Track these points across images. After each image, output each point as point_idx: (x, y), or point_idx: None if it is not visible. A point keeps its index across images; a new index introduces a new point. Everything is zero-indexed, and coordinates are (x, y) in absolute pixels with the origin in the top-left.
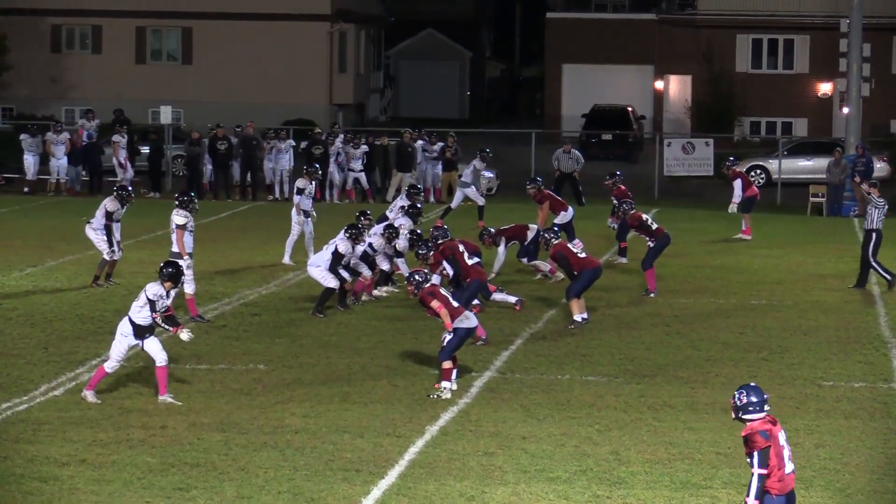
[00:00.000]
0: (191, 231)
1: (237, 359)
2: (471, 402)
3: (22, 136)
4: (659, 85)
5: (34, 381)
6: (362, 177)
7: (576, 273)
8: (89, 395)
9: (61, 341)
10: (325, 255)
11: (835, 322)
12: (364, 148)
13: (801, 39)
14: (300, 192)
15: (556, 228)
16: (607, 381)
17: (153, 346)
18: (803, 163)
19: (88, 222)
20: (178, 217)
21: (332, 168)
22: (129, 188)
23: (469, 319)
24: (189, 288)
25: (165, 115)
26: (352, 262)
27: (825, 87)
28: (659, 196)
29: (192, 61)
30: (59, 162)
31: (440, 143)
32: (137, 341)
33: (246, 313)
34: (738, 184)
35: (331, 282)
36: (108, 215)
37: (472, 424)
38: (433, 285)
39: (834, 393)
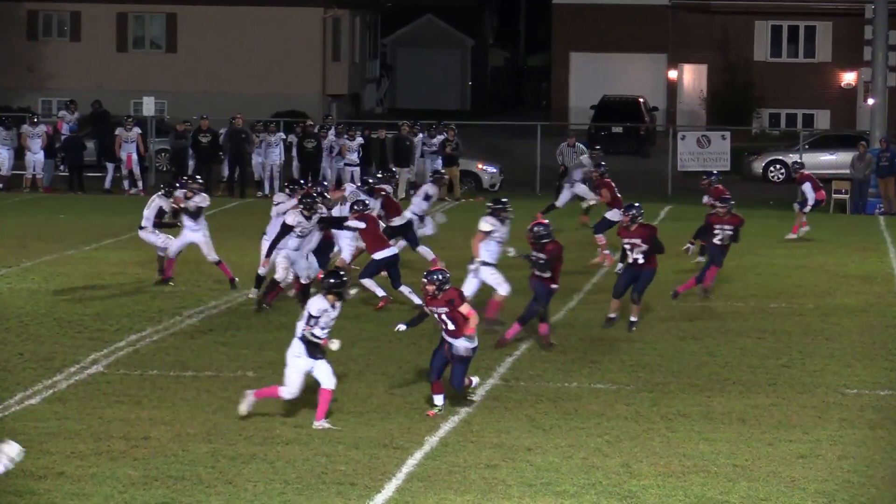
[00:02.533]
0: (499, 241)
1: (225, 366)
2: (473, 412)
3: None
4: (672, 74)
5: (9, 388)
6: (357, 171)
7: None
8: (325, 424)
9: (38, 346)
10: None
11: (859, 326)
12: (360, 140)
13: (824, 26)
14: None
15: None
16: (618, 390)
17: (323, 371)
18: (826, 157)
19: (141, 227)
20: (486, 224)
21: (325, 163)
22: (178, 185)
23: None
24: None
25: (148, 106)
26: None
27: (849, 77)
28: (672, 192)
29: (177, 49)
30: (36, 156)
31: (440, 137)
32: (311, 360)
33: (234, 317)
34: (808, 187)
35: (280, 272)
36: (162, 214)
37: (474, 435)
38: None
39: (858, 402)
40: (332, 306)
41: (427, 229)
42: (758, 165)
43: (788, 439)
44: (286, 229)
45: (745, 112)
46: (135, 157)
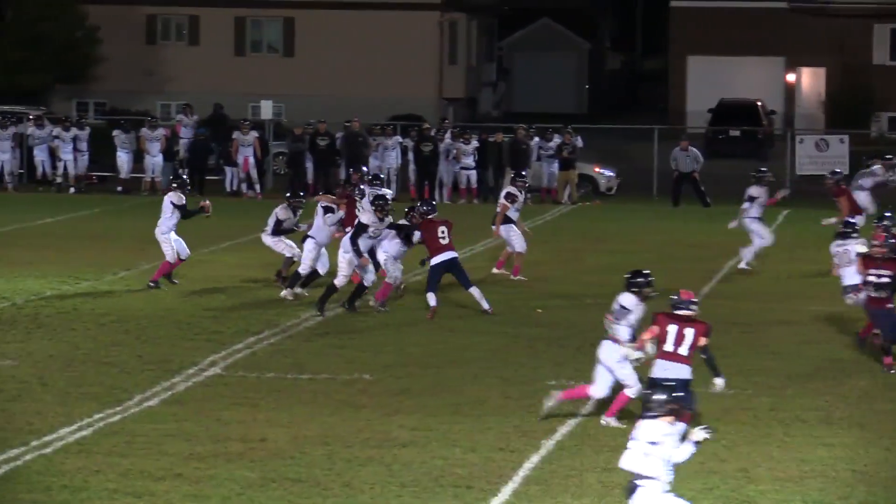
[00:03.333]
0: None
1: (341, 368)
2: (588, 415)
3: (115, 133)
4: (790, 78)
5: (128, 390)
6: (473, 175)
7: None
8: (612, 421)
9: (156, 348)
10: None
11: None
12: (475, 143)
13: None
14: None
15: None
16: (735, 394)
17: (626, 372)
18: None
19: (264, 230)
20: (860, 245)
21: (442, 166)
22: (301, 194)
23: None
24: None
25: (266, 110)
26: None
27: None
28: (790, 196)
29: (294, 53)
30: (155, 159)
31: (556, 140)
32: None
33: (350, 320)
34: None
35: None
36: (279, 223)
37: (591, 438)
38: None
39: None
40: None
41: (760, 238)
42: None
43: None
44: (361, 228)
45: (864, 115)
46: (251, 160)
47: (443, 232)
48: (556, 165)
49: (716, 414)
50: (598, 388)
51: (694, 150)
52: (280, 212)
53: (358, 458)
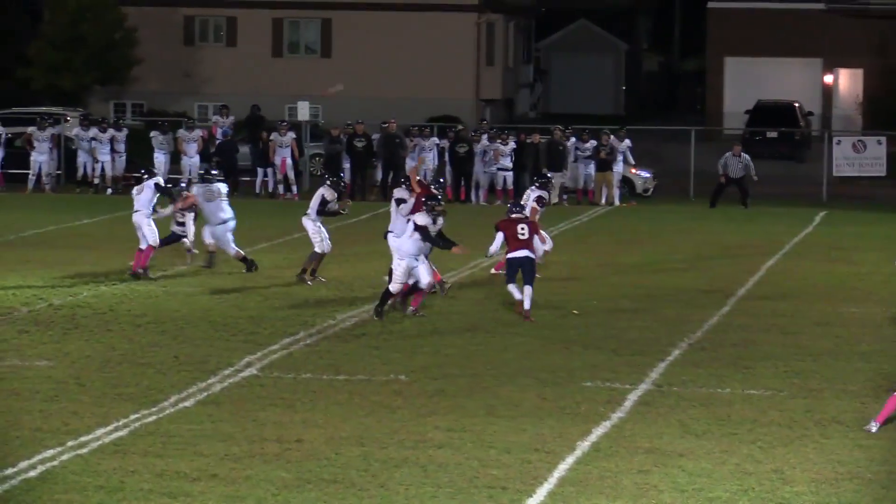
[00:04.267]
0: None
1: (377, 369)
2: (624, 417)
3: (152, 134)
4: (828, 79)
5: (164, 391)
6: (510, 176)
7: None
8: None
9: (193, 349)
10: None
11: None
12: (512, 145)
13: None
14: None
15: None
16: (771, 395)
17: None
18: None
19: (306, 213)
20: None
21: (478, 167)
22: (343, 175)
23: None
24: None
25: (303, 111)
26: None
27: None
28: (827, 198)
29: (332, 54)
30: (192, 160)
31: (593, 142)
32: None
33: (386, 321)
34: None
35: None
36: (325, 203)
37: (626, 440)
38: None
39: None
40: None
41: None
42: None
43: None
44: (423, 231)
45: None
46: (289, 161)
47: (522, 229)
48: (592, 167)
49: (752, 415)
50: None
51: (746, 156)
52: (326, 192)
53: (393, 459)
